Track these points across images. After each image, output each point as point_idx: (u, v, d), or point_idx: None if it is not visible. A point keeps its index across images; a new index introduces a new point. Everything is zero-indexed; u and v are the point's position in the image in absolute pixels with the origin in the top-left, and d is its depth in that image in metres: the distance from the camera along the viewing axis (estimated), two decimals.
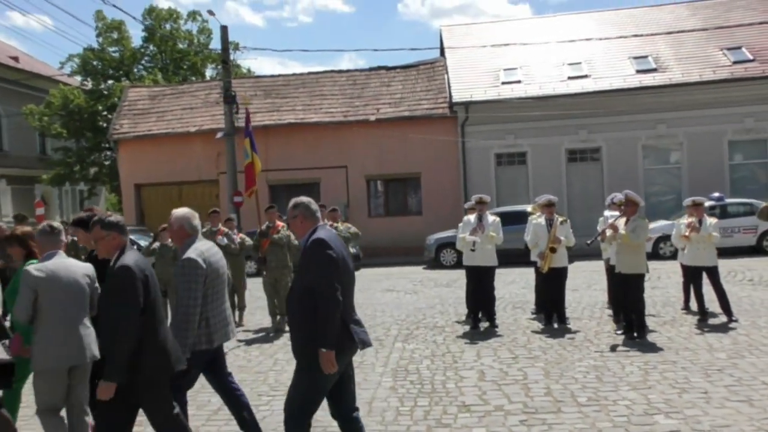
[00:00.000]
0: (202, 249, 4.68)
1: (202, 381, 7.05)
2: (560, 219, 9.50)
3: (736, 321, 9.10)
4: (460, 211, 22.09)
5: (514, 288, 13.55)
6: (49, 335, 4.41)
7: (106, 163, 33.59)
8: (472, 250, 9.37)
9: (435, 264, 18.98)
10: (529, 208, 16.24)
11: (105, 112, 32.90)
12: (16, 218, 11.77)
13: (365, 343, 4.24)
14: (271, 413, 6.03)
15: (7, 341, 4.77)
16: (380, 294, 13.84)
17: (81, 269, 4.72)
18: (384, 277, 16.63)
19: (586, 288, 13.06)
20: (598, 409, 5.74)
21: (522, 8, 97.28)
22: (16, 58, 35.18)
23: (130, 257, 4.16)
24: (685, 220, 10.22)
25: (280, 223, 9.93)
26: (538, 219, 9.83)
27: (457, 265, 18.56)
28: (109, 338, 3.99)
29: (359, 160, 22.78)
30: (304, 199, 4.33)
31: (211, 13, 25.38)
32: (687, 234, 9.45)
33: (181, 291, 4.53)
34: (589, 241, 9.35)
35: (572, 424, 5.40)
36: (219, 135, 20.67)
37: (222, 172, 21.81)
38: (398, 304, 12.27)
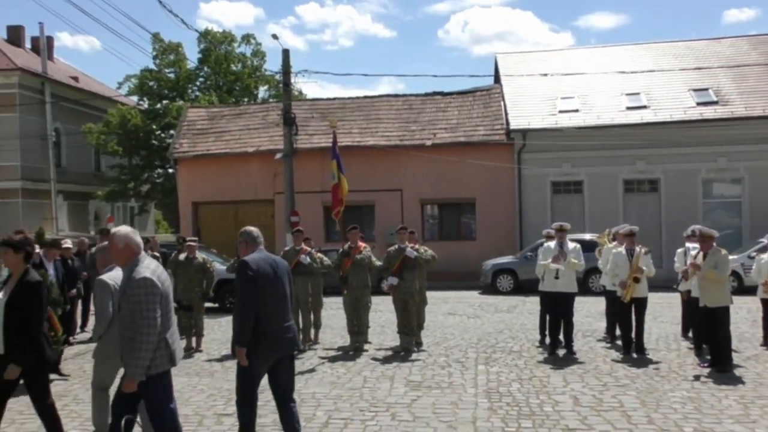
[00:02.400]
0: (153, 267, 4.58)
1: (299, 393, 7.24)
2: (644, 249, 9.50)
3: None
4: (515, 237, 22.18)
5: (578, 316, 13.42)
6: (114, 332, 5.00)
7: (158, 180, 34.45)
8: (556, 278, 9.44)
9: (491, 289, 18.97)
10: (587, 236, 16.25)
11: (159, 132, 33.87)
12: (101, 232, 12.21)
13: (287, 347, 5.14)
14: (379, 429, 6.14)
15: None
16: (443, 317, 13.89)
17: None
18: (441, 301, 16.62)
19: (653, 320, 12.89)
20: None
21: (563, 36, 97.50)
22: (76, 78, 36.37)
23: None
24: (766, 254, 10.18)
25: (362, 244, 10.09)
26: (618, 248, 9.85)
27: (514, 291, 18.60)
28: None
29: (414, 184, 22.93)
30: (248, 228, 5.32)
31: (275, 37, 26.04)
32: None
33: (139, 311, 4.37)
34: (675, 285, 9.77)
35: None
36: (278, 156, 21.01)
37: (278, 192, 22.14)
38: (465, 328, 12.32)
